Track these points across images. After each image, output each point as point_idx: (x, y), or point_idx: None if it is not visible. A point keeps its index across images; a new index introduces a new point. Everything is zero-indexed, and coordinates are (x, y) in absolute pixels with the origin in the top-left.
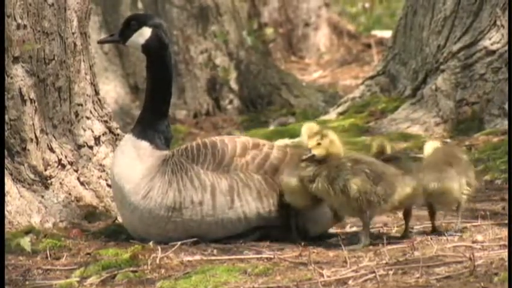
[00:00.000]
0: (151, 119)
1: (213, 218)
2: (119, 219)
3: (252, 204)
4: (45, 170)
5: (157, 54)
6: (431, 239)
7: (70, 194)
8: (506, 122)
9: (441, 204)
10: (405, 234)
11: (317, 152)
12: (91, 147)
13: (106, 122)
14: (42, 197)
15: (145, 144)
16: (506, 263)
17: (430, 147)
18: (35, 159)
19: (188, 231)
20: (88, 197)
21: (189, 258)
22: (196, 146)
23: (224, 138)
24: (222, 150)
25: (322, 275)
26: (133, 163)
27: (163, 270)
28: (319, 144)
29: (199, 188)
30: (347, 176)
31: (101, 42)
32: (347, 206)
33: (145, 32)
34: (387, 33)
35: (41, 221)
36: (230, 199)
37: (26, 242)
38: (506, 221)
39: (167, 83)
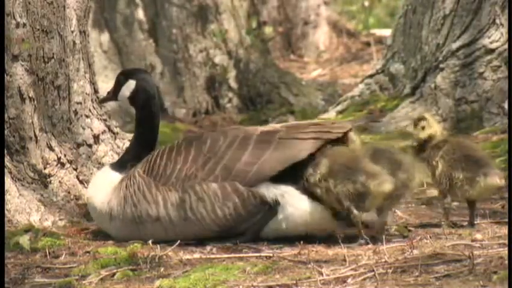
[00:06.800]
0: (133, 160)
1: (173, 230)
2: None
3: (207, 218)
4: (45, 168)
5: (143, 104)
6: (430, 237)
7: (69, 192)
8: (505, 121)
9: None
10: (471, 221)
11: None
12: (90, 146)
13: (105, 120)
14: (42, 195)
15: (114, 175)
16: (506, 262)
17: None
18: (35, 158)
19: (165, 236)
20: None
21: (188, 256)
22: (154, 158)
23: (182, 146)
24: (174, 160)
25: (321, 274)
26: (99, 192)
27: (162, 269)
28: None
29: (152, 203)
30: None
31: (102, 101)
32: None
33: (130, 85)
34: (386, 32)
35: (40, 219)
36: (183, 213)
37: (25, 240)
38: (506, 220)
39: (154, 130)
